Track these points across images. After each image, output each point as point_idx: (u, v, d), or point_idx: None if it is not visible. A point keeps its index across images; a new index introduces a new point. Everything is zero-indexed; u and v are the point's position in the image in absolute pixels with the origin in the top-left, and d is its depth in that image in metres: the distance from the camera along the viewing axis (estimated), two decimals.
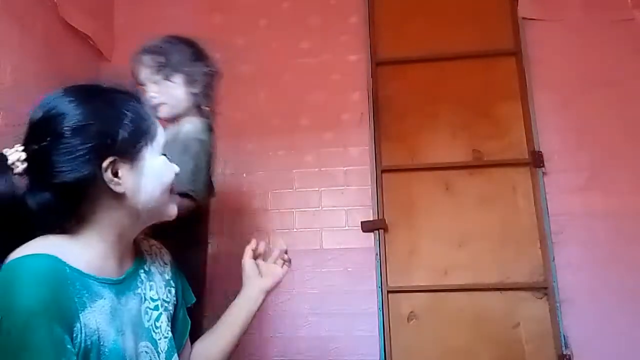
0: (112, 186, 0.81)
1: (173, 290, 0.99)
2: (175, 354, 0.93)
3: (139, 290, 0.89)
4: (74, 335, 0.72)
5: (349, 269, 2.30)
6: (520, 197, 2.29)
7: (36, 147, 0.79)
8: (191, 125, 1.49)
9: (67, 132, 0.78)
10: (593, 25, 2.40)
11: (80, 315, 0.74)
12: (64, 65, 2.19)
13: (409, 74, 2.48)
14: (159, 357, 0.89)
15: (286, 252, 1.19)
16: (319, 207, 2.39)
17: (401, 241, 2.31)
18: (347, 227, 2.35)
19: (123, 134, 0.81)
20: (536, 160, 2.27)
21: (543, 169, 2.27)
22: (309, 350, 2.22)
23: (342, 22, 2.57)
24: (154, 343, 0.89)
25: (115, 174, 0.81)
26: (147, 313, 0.89)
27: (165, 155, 0.89)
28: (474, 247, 2.26)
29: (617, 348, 2.07)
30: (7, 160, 0.80)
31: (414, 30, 2.51)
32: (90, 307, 0.76)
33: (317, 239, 2.35)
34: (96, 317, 0.76)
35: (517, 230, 2.25)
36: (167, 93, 1.50)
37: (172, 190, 0.90)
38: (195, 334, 1.07)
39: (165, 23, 2.64)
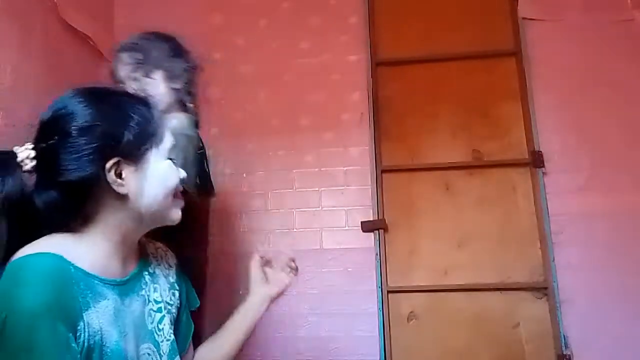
0: (115, 187, 0.81)
1: (177, 293, 0.99)
2: (178, 357, 0.94)
3: (143, 292, 0.90)
4: (78, 334, 0.73)
5: (349, 269, 2.30)
6: (520, 197, 2.29)
7: (44, 145, 0.81)
8: (177, 121, 1.47)
9: (74, 132, 0.80)
10: (593, 25, 2.40)
11: (83, 314, 0.74)
12: (64, 65, 2.18)
13: (409, 74, 2.48)
14: (161, 359, 0.89)
15: (293, 261, 1.18)
16: (319, 207, 2.39)
17: (401, 241, 2.31)
18: (347, 227, 2.35)
19: (128, 136, 0.82)
20: (536, 160, 2.27)
21: (543, 169, 2.27)
22: (309, 350, 2.22)
23: (342, 22, 2.57)
24: (157, 345, 0.89)
25: (119, 175, 0.82)
26: (150, 315, 0.90)
27: (171, 159, 0.89)
28: (474, 247, 2.26)
29: (617, 348, 2.07)
30: (17, 157, 0.81)
31: (414, 31, 2.51)
32: (94, 307, 0.76)
33: (317, 239, 2.35)
34: (99, 318, 0.77)
35: (517, 230, 2.25)
36: (147, 90, 1.46)
37: (177, 195, 0.90)
38: (196, 333, 1.07)
39: (165, 23, 2.63)
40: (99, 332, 0.76)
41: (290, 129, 2.47)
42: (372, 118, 2.41)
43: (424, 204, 2.34)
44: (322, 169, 2.42)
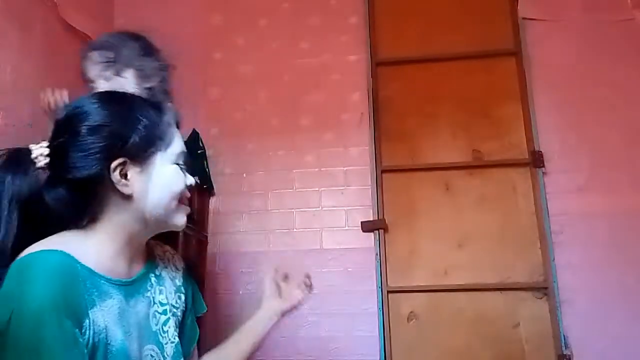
0: (119, 187, 0.83)
1: (183, 297, 1.00)
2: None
3: (148, 294, 0.90)
4: (83, 330, 0.73)
5: (349, 269, 2.30)
6: (520, 197, 2.29)
7: (56, 143, 0.84)
8: None
9: (83, 131, 0.82)
10: (593, 25, 2.40)
11: (89, 312, 0.75)
12: (64, 65, 2.18)
13: (409, 74, 2.48)
14: None
15: (309, 278, 1.18)
16: (319, 207, 2.39)
17: (401, 241, 2.31)
18: (347, 227, 2.35)
19: (135, 137, 0.84)
20: (536, 160, 2.27)
21: (543, 169, 2.27)
22: (309, 350, 2.22)
23: (342, 22, 2.57)
24: (161, 347, 0.89)
25: (125, 176, 0.83)
26: (155, 317, 0.90)
27: (178, 164, 0.89)
28: (474, 247, 2.26)
29: (617, 348, 2.07)
30: (30, 155, 0.83)
31: (414, 31, 2.52)
32: (99, 305, 0.77)
33: (317, 239, 2.35)
34: (105, 316, 0.78)
35: (517, 230, 2.26)
36: (119, 89, 1.47)
37: (183, 201, 0.91)
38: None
39: (165, 23, 2.65)
40: (104, 330, 0.77)
41: (290, 129, 2.48)
42: (372, 118, 2.41)
43: (424, 204, 2.34)
44: (322, 169, 2.43)
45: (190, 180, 0.92)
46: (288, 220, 2.39)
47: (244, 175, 2.47)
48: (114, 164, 0.82)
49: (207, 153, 2.43)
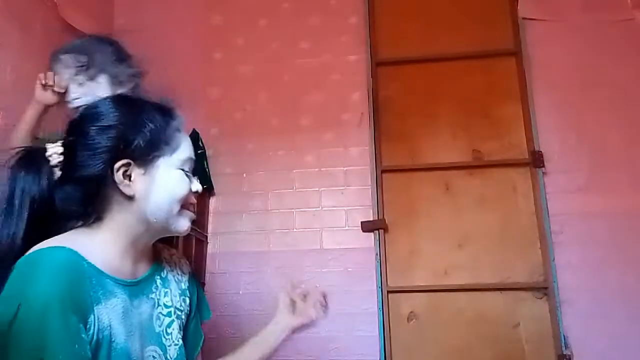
0: (121, 187, 0.85)
1: (188, 300, 1.01)
2: None
3: (153, 295, 0.91)
4: (87, 326, 0.75)
5: (349, 269, 2.30)
6: (520, 197, 2.29)
7: (67, 142, 0.87)
8: None
9: (92, 131, 0.85)
10: (593, 25, 2.40)
11: (94, 308, 0.76)
12: None
13: (409, 74, 2.48)
14: None
15: (325, 297, 1.18)
16: (319, 207, 2.39)
17: (401, 241, 2.31)
18: (347, 227, 2.35)
19: (139, 140, 0.86)
20: (536, 160, 2.27)
21: (543, 169, 2.27)
22: (309, 350, 2.22)
23: (342, 22, 2.57)
24: (164, 349, 0.90)
25: (128, 177, 0.85)
26: (159, 318, 0.91)
27: (183, 170, 0.90)
28: (474, 247, 2.26)
29: (617, 348, 2.07)
30: (44, 153, 0.86)
31: (414, 31, 2.52)
32: (104, 303, 0.79)
33: (317, 239, 2.35)
34: (109, 314, 0.79)
35: (517, 230, 2.25)
36: (92, 94, 1.42)
37: (186, 206, 0.92)
38: None
39: (165, 23, 2.65)
40: (108, 328, 0.78)
41: (290, 129, 2.47)
42: (372, 118, 2.41)
43: (424, 204, 2.34)
44: (322, 169, 2.42)
45: (197, 186, 0.93)
46: (288, 220, 2.39)
47: (244, 175, 2.47)
48: (117, 165, 0.84)
49: (207, 153, 2.43)
